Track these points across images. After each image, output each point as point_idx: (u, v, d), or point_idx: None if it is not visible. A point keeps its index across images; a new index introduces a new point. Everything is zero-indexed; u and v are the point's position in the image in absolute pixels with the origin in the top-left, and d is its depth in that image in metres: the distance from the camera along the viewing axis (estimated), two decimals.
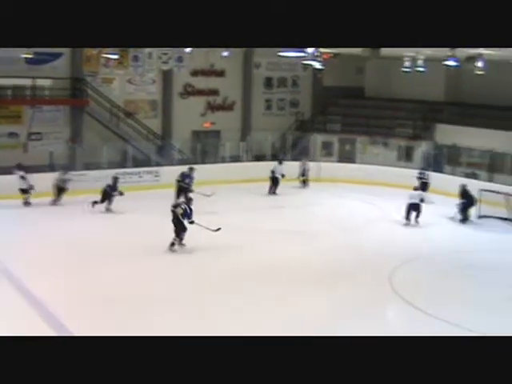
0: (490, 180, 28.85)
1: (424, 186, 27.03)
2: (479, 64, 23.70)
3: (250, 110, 33.39)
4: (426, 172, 28.69)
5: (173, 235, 18.42)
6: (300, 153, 32.52)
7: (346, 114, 33.22)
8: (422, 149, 31.80)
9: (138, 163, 28.48)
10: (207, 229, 18.74)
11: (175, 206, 18.76)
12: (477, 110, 30.77)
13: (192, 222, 18.38)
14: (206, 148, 30.92)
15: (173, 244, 18.45)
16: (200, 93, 31.96)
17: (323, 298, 15.50)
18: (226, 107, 32.72)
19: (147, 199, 25.02)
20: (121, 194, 23.27)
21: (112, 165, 27.20)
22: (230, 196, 26.66)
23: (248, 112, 33.31)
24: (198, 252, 18.76)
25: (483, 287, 17.03)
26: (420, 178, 28.06)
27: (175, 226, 18.41)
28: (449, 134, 31.05)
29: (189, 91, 31.75)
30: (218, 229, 18.95)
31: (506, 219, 24.39)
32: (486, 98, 31.04)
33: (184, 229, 18.45)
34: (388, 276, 17.31)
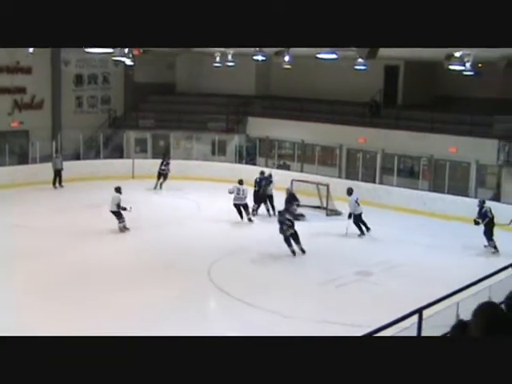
0: (301, 170, 30.08)
1: None
2: (286, 58, 24.40)
3: (60, 108, 32.45)
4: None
5: None
6: (113, 150, 32.26)
7: (159, 110, 33.25)
8: (234, 142, 32.47)
9: None
10: None
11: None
12: (286, 103, 31.94)
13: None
14: (14, 148, 29.74)
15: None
16: (6, 91, 30.53)
17: (144, 294, 15.56)
18: (34, 106, 31.52)
19: None
20: None
21: None
22: (39, 198, 26.03)
23: (58, 110, 32.37)
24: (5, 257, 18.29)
25: (299, 274, 17.80)
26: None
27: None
28: (261, 127, 32.06)
29: None
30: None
31: (318, 207, 25.50)
32: (293, 91, 32.30)
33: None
34: (207, 267, 17.65)
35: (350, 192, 22.06)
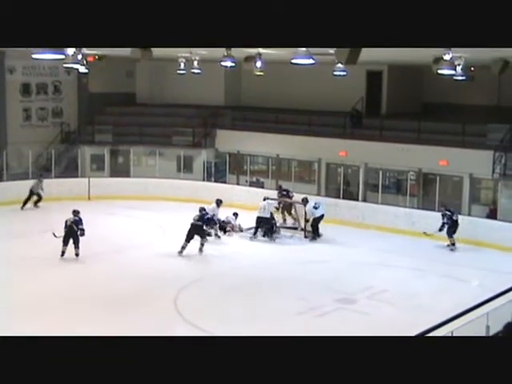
0: (276, 188, 29.62)
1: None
2: (258, 64, 24.07)
3: (6, 121, 31.87)
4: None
5: None
6: (67, 168, 31.70)
7: (117, 123, 32.87)
8: (202, 158, 32.10)
9: None
10: None
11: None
12: (259, 114, 31.71)
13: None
14: None
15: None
16: None
17: (106, 325, 15.17)
18: None
19: None
20: None
21: None
22: None
23: (3, 124, 31.77)
24: None
25: (274, 303, 17.44)
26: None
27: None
28: (231, 141, 31.76)
29: None
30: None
31: (294, 228, 25.04)
32: (267, 100, 32.19)
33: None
34: (173, 298, 17.34)
35: (305, 201, 24.32)
